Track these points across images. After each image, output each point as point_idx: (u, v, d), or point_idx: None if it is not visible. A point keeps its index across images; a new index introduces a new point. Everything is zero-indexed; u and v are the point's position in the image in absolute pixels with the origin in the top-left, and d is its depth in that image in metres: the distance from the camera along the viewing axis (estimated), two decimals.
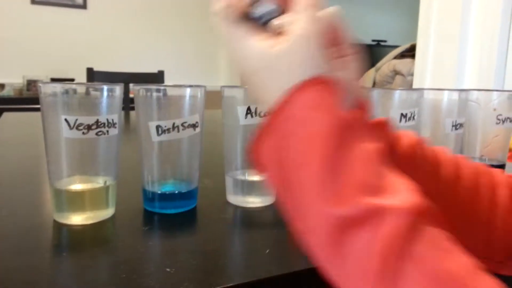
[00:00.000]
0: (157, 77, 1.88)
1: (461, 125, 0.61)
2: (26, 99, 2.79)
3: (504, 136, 0.65)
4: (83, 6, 3.19)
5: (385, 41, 5.49)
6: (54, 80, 3.06)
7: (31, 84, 2.94)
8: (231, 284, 0.32)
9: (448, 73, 2.19)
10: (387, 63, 2.77)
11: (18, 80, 2.98)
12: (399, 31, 5.71)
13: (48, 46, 3.10)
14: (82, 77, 2.75)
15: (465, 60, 2.18)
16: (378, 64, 2.89)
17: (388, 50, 4.08)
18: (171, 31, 3.69)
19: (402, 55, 2.81)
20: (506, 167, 0.66)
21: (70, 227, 0.43)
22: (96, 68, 1.79)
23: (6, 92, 2.92)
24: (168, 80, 1.98)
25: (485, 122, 0.64)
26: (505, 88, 2.12)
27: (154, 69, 2.01)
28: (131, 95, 1.67)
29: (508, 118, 0.64)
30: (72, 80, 3.13)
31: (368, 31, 5.54)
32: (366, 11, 5.46)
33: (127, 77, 1.82)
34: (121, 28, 3.41)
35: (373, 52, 5.25)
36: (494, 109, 0.63)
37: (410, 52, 2.71)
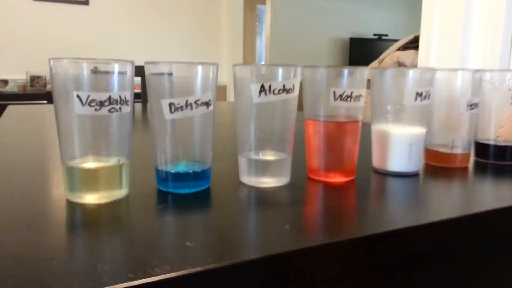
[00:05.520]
0: None
1: (476, 105, 0.60)
2: (30, 94, 2.80)
3: None
4: (85, 2, 3.18)
5: (386, 35, 5.48)
6: None
7: (34, 80, 2.94)
8: (253, 257, 0.31)
9: (452, 63, 2.18)
10: (391, 55, 2.76)
11: (21, 76, 2.98)
12: (399, 25, 5.70)
13: (51, 42, 3.10)
14: None
15: (469, 51, 2.17)
16: (381, 56, 2.87)
17: (389, 44, 4.06)
18: (176, 29, 3.67)
19: (405, 47, 2.80)
20: None
21: (83, 206, 0.42)
22: None
23: (10, 88, 2.92)
24: None
25: (499, 102, 0.63)
26: None
27: None
28: None
29: None
30: None
31: (370, 26, 5.53)
32: (367, 7, 5.45)
33: None
34: (123, 25, 3.40)
35: (375, 46, 5.25)
36: (510, 89, 0.62)
37: (413, 44, 2.70)
